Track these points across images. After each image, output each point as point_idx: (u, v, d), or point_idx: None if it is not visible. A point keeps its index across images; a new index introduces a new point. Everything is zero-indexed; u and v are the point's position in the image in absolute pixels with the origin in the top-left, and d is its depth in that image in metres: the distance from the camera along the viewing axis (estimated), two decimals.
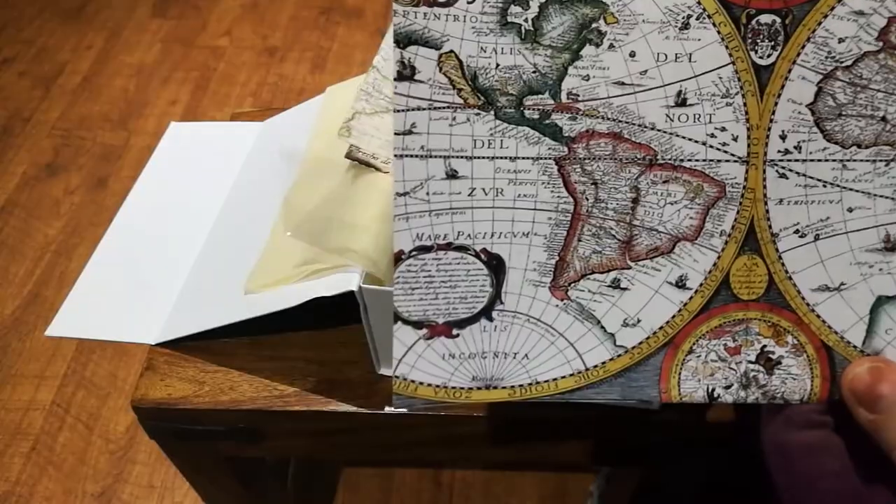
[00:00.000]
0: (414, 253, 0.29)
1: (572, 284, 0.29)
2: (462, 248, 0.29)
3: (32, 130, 1.54)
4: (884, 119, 0.28)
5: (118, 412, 1.10)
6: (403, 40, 0.28)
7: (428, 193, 0.29)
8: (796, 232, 0.28)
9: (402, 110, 0.28)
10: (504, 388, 0.29)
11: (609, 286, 0.29)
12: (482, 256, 0.29)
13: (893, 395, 0.26)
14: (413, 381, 0.29)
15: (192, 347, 0.49)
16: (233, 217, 0.58)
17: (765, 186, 0.28)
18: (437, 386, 0.29)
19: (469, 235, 0.29)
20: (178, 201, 0.61)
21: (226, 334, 0.48)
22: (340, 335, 0.50)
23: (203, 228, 0.58)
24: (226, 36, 1.73)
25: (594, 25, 0.28)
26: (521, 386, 0.29)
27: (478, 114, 0.28)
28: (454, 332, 0.29)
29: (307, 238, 0.49)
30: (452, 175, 0.29)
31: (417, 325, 0.29)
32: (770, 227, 0.28)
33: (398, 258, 0.29)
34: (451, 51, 0.28)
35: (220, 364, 0.49)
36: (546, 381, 0.29)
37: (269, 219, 0.53)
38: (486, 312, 0.29)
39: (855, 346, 0.29)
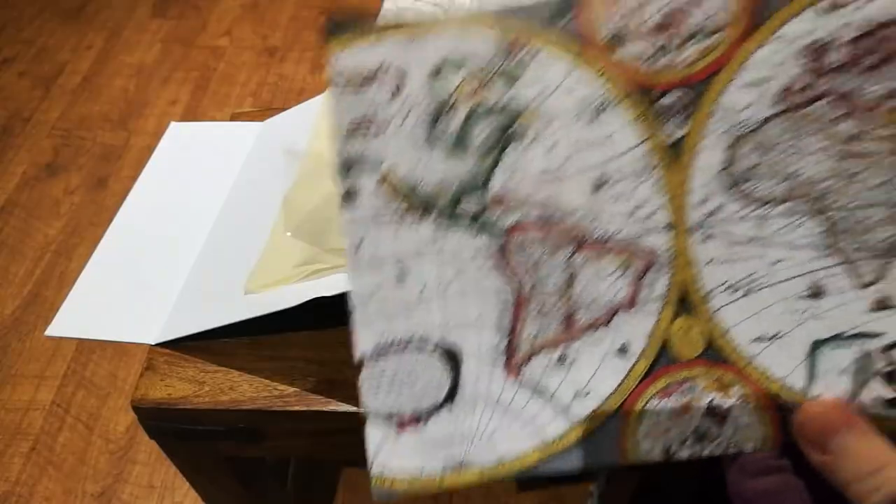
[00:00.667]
0: (374, 357, 0.31)
1: (524, 363, 0.31)
2: (419, 346, 0.31)
3: (32, 130, 1.54)
4: (794, 175, 0.29)
5: (118, 412, 1.10)
6: (345, 167, 0.31)
7: (381, 299, 0.31)
8: (727, 289, 0.30)
9: (352, 229, 0.31)
10: (473, 471, 0.31)
11: (558, 361, 0.31)
12: (438, 349, 0.31)
13: (842, 435, 0.27)
14: (389, 476, 0.31)
15: (192, 347, 0.50)
16: (233, 217, 0.58)
17: (691, 251, 0.30)
18: (412, 477, 0.31)
19: (424, 332, 0.31)
20: (178, 201, 0.61)
21: (226, 334, 0.48)
22: (340, 335, 0.49)
23: (203, 228, 0.58)
24: (226, 36, 1.73)
25: (515, 125, 0.30)
26: (489, 467, 0.31)
27: (420, 220, 0.30)
28: (421, 423, 0.31)
29: (307, 238, 0.49)
30: (402, 279, 0.31)
31: (386, 423, 0.31)
32: (701, 288, 0.30)
33: (360, 365, 0.31)
34: (389, 168, 0.30)
35: (220, 364, 0.49)
36: (511, 460, 0.31)
37: (269, 219, 0.53)
38: (448, 401, 0.31)
39: (798, 390, 0.30)
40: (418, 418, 0.31)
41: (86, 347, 1.17)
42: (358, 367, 0.31)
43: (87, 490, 1.02)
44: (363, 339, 0.31)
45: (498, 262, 0.31)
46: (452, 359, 0.31)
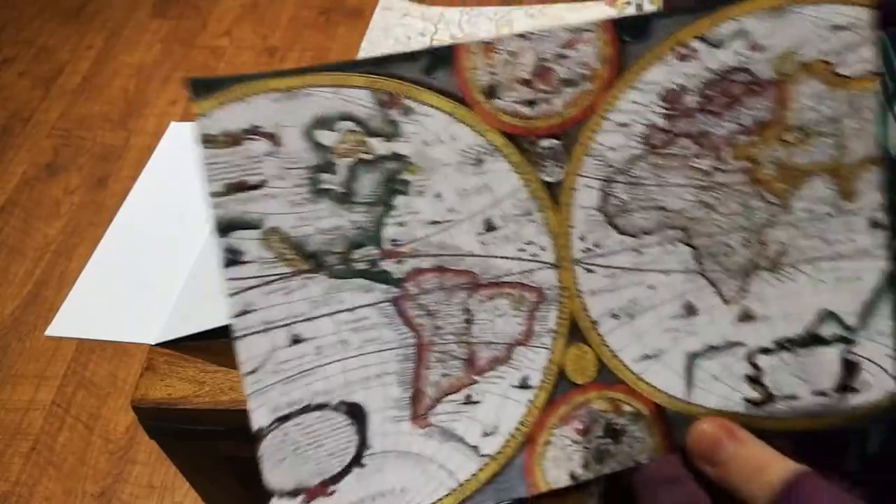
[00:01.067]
0: (274, 426, 0.30)
1: (430, 410, 0.31)
2: (320, 407, 0.31)
3: (32, 130, 1.54)
4: (662, 208, 0.32)
5: (118, 412, 1.10)
6: (224, 228, 0.30)
7: (276, 364, 0.30)
8: (612, 316, 0.32)
9: (236, 293, 0.30)
10: None
11: (463, 403, 0.31)
12: (341, 408, 0.31)
13: (730, 448, 0.30)
14: None
15: (192, 347, 0.49)
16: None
17: (576, 283, 0.32)
18: None
19: (325, 392, 0.31)
20: (178, 201, 0.61)
21: (226, 334, 0.48)
22: None
23: (203, 228, 0.58)
24: (226, 36, 1.73)
25: (400, 177, 0.31)
26: None
27: (310, 277, 0.30)
28: (330, 489, 0.31)
29: None
30: (296, 340, 0.30)
31: (294, 493, 0.31)
32: (589, 316, 0.32)
33: (258, 436, 0.30)
34: (272, 227, 0.30)
35: (220, 364, 0.49)
36: None
37: None
38: (357, 461, 0.31)
39: (682, 400, 0.32)
40: (326, 486, 0.31)
41: (86, 347, 1.17)
42: (256, 440, 0.30)
43: (87, 490, 1.02)
44: (259, 410, 0.30)
45: (395, 313, 0.31)
46: (357, 418, 0.31)
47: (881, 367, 0.32)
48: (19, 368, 1.15)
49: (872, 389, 0.32)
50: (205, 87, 0.29)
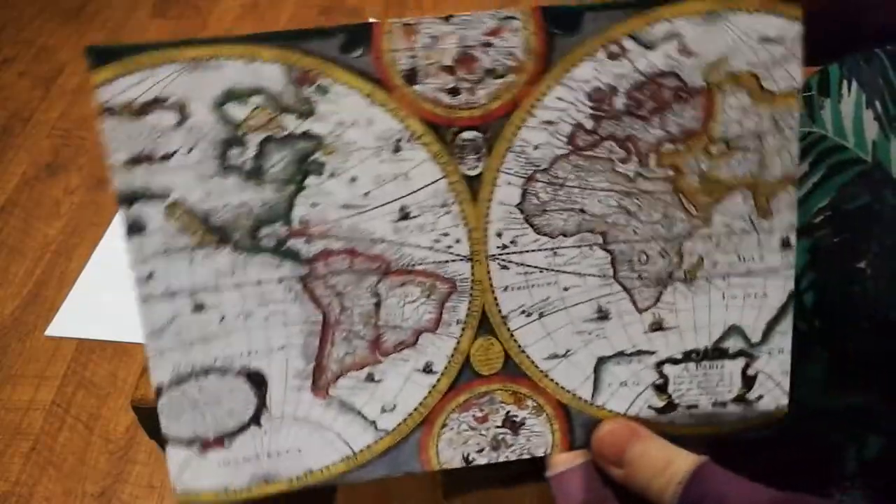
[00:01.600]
0: (173, 384, 0.31)
1: (331, 384, 0.32)
2: (221, 371, 0.31)
3: (32, 130, 1.54)
4: (582, 210, 0.31)
5: (118, 412, 1.10)
6: (128, 199, 0.30)
7: (178, 329, 0.31)
8: (523, 313, 0.32)
9: (139, 262, 0.30)
10: (281, 481, 0.32)
11: (364, 380, 0.32)
12: (242, 374, 0.31)
13: (635, 447, 0.30)
14: (194, 491, 0.32)
15: None
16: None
17: (490, 278, 0.32)
18: (217, 494, 0.32)
19: (226, 358, 0.31)
20: None
21: None
22: None
23: None
24: None
25: (313, 157, 0.30)
26: (297, 477, 0.32)
27: (216, 250, 0.30)
28: (225, 444, 0.32)
29: None
30: (199, 308, 0.31)
31: (188, 446, 0.32)
32: (500, 311, 0.32)
33: (158, 392, 0.31)
34: (177, 200, 0.30)
35: None
36: (319, 469, 0.32)
37: None
38: (255, 420, 0.32)
39: (586, 401, 0.33)
40: (222, 439, 0.32)
41: (86, 347, 1.17)
42: (157, 395, 0.31)
43: (87, 490, 1.02)
44: (159, 369, 0.31)
45: (302, 291, 0.31)
46: (257, 384, 0.32)
47: (776, 383, 0.33)
48: (19, 368, 1.15)
49: (765, 402, 0.33)
50: (105, 55, 0.28)
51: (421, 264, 0.32)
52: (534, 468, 0.34)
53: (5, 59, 1.70)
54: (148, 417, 0.48)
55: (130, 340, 0.52)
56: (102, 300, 0.55)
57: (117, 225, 0.60)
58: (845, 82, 0.38)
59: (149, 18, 1.80)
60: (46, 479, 1.03)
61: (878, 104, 0.36)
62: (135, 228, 0.30)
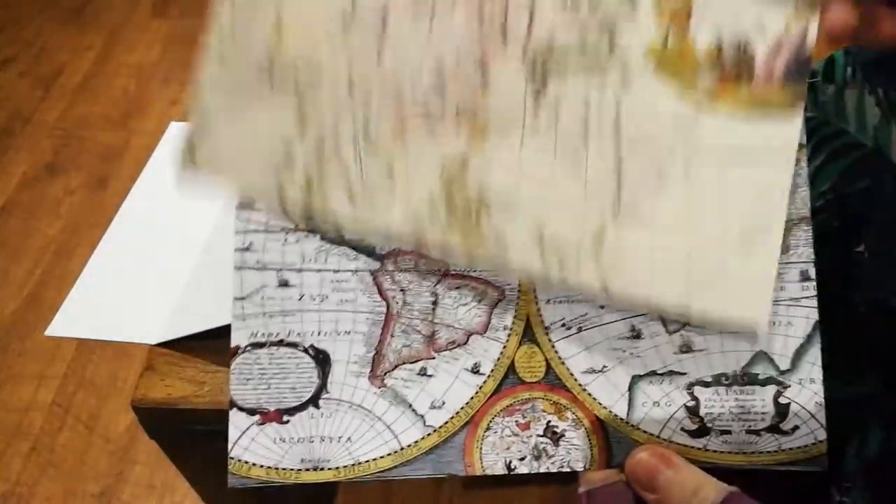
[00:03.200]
0: (248, 348, 0.34)
1: (387, 374, 0.34)
2: (292, 345, 0.34)
3: (32, 130, 1.54)
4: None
5: (118, 412, 1.10)
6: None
7: (262, 298, 0.34)
8: (563, 325, 0.34)
9: (242, 232, 0.34)
10: (330, 469, 0.34)
11: (418, 374, 0.34)
12: (310, 352, 0.34)
13: (666, 474, 0.31)
14: (247, 463, 0.34)
15: (192, 347, 0.49)
16: (233, 217, 0.58)
17: (534, 289, 0.34)
18: (269, 467, 0.34)
19: (299, 334, 0.34)
20: (178, 201, 0.61)
21: (226, 334, 0.48)
22: None
23: (203, 228, 0.58)
24: None
25: None
26: (345, 467, 0.34)
27: (306, 236, 0.34)
28: (284, 418, 0.34)
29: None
30: (284, 284, 0.34)
31: (251, 411, 0.34)
32: (542, 321, 0.34)
33: (234, 353, 0.34)
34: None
35: (220, 364, 0.49)
36: (367, 461, 0.34)
37: None
38: (313, 401, 0.34)
39: (622, 419, 0.34)
40: (281, 414, 0.34)
41: (86, 347, 1.17)
42: (231, 356, 0.34)
43: (87, 490, 1.02)
44: (240, 332, 0.34)
45: (372, 283, 0.34)
46: (322, 363, 0.34)
47: (811, 414, 0.33)
48: (19, 368, 1.15)
49: (801, 434, 0.33)
50: None
51: (475, 271, 0.34)
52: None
53: (5, 59, 1.70)
54: (148, 417, 0.48)
55: (130, 340, 0.52)
56: (102, 300, 0.55)
57: (118, 225, 0.60)
58: (849, 69, 0.38)
59: (149, 18, 1.80)
60: (46, 479, 1.03)
61: (880, 90, 0.36)
62: (244, 205, 0.34)
